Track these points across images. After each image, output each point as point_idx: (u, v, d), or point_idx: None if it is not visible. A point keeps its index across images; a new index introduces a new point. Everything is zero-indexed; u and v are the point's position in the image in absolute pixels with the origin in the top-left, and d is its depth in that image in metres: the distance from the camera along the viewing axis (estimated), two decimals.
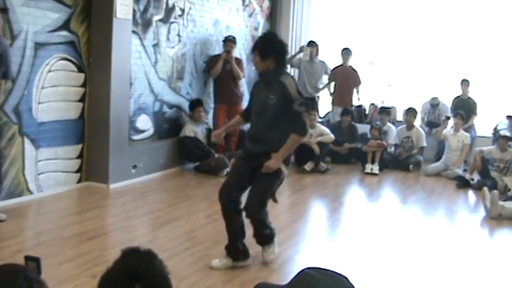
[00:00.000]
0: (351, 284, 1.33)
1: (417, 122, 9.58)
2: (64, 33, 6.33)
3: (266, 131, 4.42)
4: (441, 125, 9.25)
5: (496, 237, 6.15)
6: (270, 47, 4.42)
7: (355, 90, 9.98)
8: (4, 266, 1.55)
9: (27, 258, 1.82)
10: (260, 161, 4.40)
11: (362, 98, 10.32)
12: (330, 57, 10.30)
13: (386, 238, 5.59)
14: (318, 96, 10.08)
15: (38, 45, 6.00)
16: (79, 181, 6.78)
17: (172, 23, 7.81)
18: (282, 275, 4.32)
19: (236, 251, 4.56)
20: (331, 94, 10.08)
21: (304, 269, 1.38)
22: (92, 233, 5.16)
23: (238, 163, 4.86)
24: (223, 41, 8.62)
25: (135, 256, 1.51)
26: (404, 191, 7.91)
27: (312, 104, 9.41)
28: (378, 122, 9.55)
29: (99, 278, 1.52)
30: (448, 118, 9.24)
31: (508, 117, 9.02)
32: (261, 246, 4.64)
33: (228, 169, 7.93)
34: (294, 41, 10.67)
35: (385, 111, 9.80)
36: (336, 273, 1.36)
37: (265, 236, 4.60)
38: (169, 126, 8.00)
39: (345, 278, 1.34)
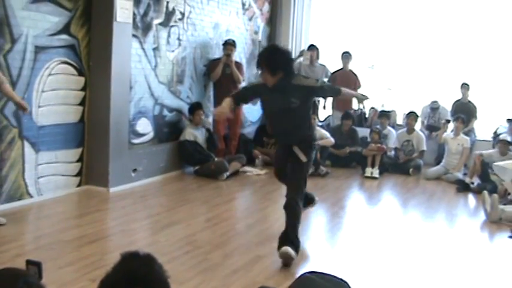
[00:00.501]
0: None
1: (417, 126, 9.58)
2: (64, 36, 6.34)
3: (293, 126, 4.85)
4: (441, 128, 9.25)
5: (496, 241, 6.14)
6: (276, 62, 4.68)
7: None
8: (4, 270, 1.55)
9: (29, 262, 1.82)
10: (291, 152, 4.88)
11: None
12: (330, 61, 10.30)
13: (386, 242, 5.59)
14: (319, 100, 10.08)
15: (38, 49, 6.01)
16: (79, 185, 6.77)
17: (172, 26, 7.82)
18: (281, 279, 4.31)
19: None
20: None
21: (304, 273, 1.38)
22: (91, 236, 5.15)
23: (279, 152, 5.33)
24: (223, 44, 8.62)
25: (134, 260, 1.51)
26: (404, 195, 7.90)
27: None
28: (378, 126, 9.54)
29: (98, 282, 1.51)
30: (448, 121, 9.23)
31: (508, 120, 9.02)
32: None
33: (227, 173, 7.94)
34: (294, 44, 10.68)
35: (385, 114, 9.79)
36: (336, 277, 1.36)
37: (295, 242, 4.72)
38: (169, 129, 8.00)
39: (345, 282, 1.34)
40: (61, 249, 4.79)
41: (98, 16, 6.64)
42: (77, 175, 6.74)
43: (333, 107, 10.10)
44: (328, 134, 8.98)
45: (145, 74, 7.39)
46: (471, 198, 7.81)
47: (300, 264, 4.80)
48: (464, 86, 9.74)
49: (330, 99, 10.08)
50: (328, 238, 5.87)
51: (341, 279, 1.35)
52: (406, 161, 9.15)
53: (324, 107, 10.21)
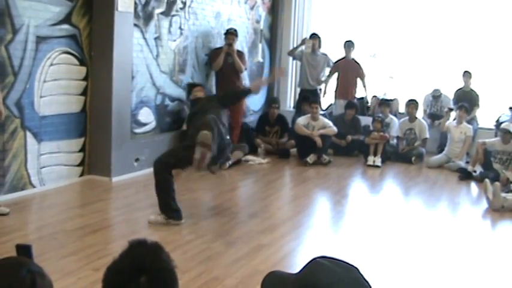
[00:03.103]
0: (361, 274, 1.32)
1: (419, 114, 9.55)
2: (66, 26, 6.32)
3: None
4: (444, 116, 9.22)
5: (498, 229, 6.15)
6: None
7: (360, 83, 9.96)
8: (7, 259, 1.55)
9: (19, 246, 1.80)
10: None
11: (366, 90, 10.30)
12: (332, 50, 10.26)
13: (389, 230, 5.59)
14: (320, 89, 10.06)
15: (40, 39, 5.99)
16: (81, 174, 6.78)
17: (173, 15, 7.79)
18: (284, 268, 4.32)
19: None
20: (324, 92, 10.05)
21: (314, 258, 1.38)
22: (94, 226, 5.17)
23: None
24: (225, 34, 8.59)
25: (142, 248, 1.51)
26: (406, 183, 7.90)
27: (313, 96, 9.43)
28: (380, 114, 9.51)
29: (102, 271, 1.51)
30: (451, 110, 9.21)
31: (511, 108, 9.00)
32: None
33: (230, 162, 7.93)
34: (296, 33, 10.64)
35: (386, 103, 9.76)
36: (346, 262, 1.35)
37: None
38: (171, 119, 7.99)
39: (355, 267, 1.34)
40: (64, 239, 4.80)
41: (99, 6, 6.61)
42: (79, 165, 6.74)
43: (335, 96, 10.07)
44: (331, 123, 8.95)
45: (147, 63, 7.38)
46: (473, 186, 7.81)
47: (302, 252, 4.82)
48: (466, 74, 9.70)
49: (332, 87, 10.08)
50: (331, 226, 5.87)
51: (351, 265, 1.34)
52: (408, 150, 9.14)
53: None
